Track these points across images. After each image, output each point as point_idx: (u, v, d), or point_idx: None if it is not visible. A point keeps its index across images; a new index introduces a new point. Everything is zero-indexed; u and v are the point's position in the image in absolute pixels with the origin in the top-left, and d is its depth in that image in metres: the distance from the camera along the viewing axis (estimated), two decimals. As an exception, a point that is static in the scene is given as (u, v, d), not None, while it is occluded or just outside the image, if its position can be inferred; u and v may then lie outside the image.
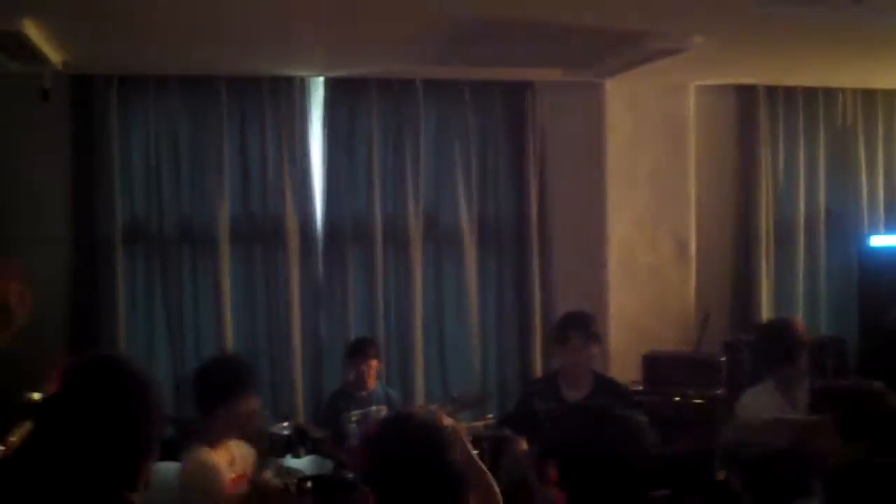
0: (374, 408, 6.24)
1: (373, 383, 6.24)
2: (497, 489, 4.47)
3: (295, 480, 5.41)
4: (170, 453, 5.03)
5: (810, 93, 7.50)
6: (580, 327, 5.23)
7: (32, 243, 6.49)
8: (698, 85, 7.28)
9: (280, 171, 6.76)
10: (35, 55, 5.47)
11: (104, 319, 6.54)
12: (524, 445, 4.96)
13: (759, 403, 4.96)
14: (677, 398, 6.42)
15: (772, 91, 7.42)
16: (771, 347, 5.10)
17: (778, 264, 7.52)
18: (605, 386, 5.28)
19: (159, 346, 6.71)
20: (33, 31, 5.13)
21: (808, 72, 7.05)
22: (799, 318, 6.66)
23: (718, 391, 6.47)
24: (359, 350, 6.25)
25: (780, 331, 5.17)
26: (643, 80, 6.90)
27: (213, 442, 4.04)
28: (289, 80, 6.74)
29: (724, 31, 5.52)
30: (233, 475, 3.99)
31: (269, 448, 5.40)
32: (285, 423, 5.67)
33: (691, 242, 7.30)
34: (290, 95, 6.76)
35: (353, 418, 6.14)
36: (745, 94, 7.43)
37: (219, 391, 4.04)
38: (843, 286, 7.64)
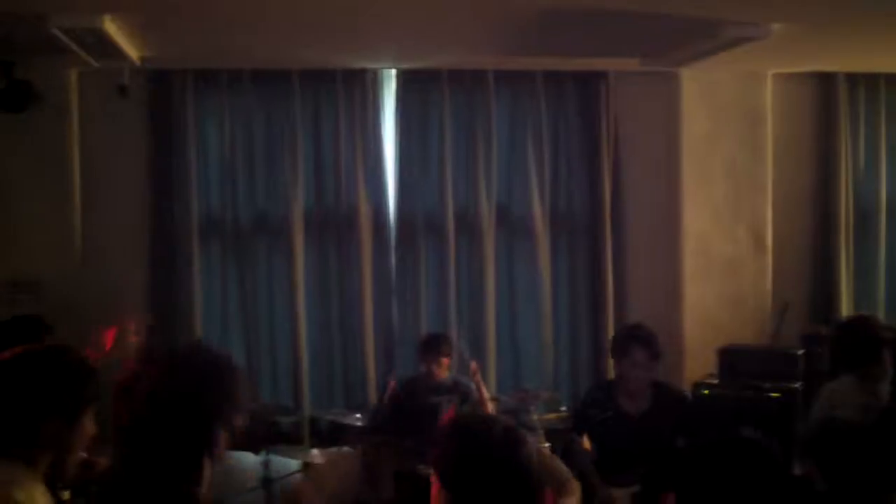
0: (443, 398, 6.26)
1: (444, 374, 6.24)
2: (574, 481, 4.47)
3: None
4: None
5: (892, 79, 7.31)
6: (645, 346, 5.06)
7: (111, 235, 6.64)
8: (776, 73, 7.14)
9: (353, 163, 6.80)
10: (114, 51, 5.59)
11: (181, 311, 6.67)
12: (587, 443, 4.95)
13: (840, 398, 4.87)
14: (753, 392, 6.32)
15: (852, 78, 7.25)
16: (852, 349, 4.98)
17: (857, 254, 7.36)
18: (665, 396, 5.15)
19: (233, 337, 6.82)
20: (113, 28, 5.23)
21: (890, 58, 6.86)
22: (878, 315, 6.48)
23: (796, 385, 6.36)
24: (432, 348, 6.24)
25: (859, 332, 5.04)
26: (719, 69, 6.79)
27: None
28: (361, 73, 6.77)
29: (804, 17, 5.39)
30: None
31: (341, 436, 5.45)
32: (358, 414, 5.73)
33: (768, 234, 7.17)
34: (363, 88, 6.78)
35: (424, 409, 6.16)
36: (825, 82, 7.27)
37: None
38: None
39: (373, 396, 6.78)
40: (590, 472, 4.82)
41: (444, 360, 6.22)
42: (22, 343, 4.75)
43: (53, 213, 6.55)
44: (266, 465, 5.81)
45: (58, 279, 6.49)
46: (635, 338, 5.08)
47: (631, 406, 5.06)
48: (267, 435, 5.99)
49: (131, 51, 5.80)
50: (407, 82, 6.86)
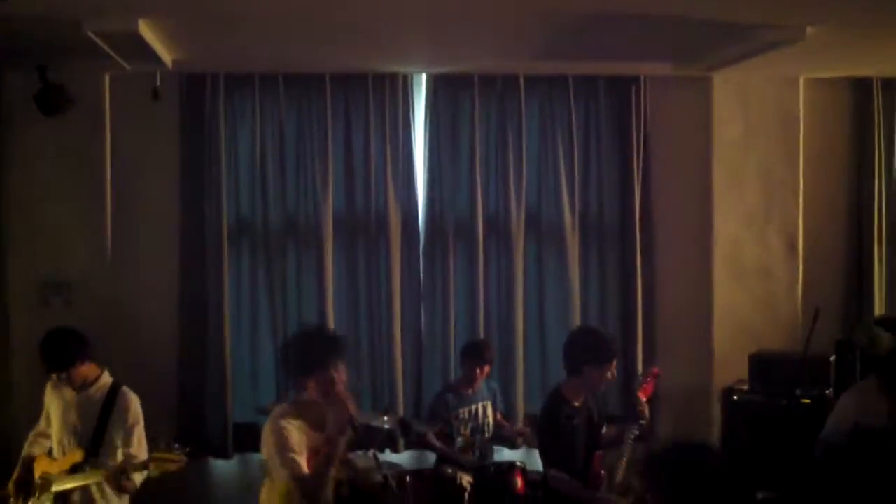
0: (480, 404, 6.27)
1: (479, 383, 6.27)
2: None
3: (394, 473, 5.47)
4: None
5: (928, 85, 7.25)
6: (617, 353, 5.09)
7: (142, 237, 6.68)
8: (808, 78, 7.09)
9: (383, 167, 6.81)
10: (147, 55, 5.64)
11: (211, 314, 6.71)
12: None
13: (856, 402, 4.86)
14: (784, 398, 6.27)
15: (887, 83, 7.18)
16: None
17: (891, 261, 7.28)
18: None
19: (263, 338, 6.84)
20: (147, 32, 5.27)
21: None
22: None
23: (827, 391, 6.31)
24: (479, 354, 6.28)
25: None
26: (752, 74, 6.76)
27: (302, 406, 4.17)
28: (393, 77, 6.77)
29: (838, 21, 5.36)
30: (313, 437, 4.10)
31: (367, 439, 5.46)
32: (385, 417, 5.74)
33: (800, 239, 7.12)
34: (394, 92, 6.79)
35: (462, 416, 6.18)
36: (859, 87, 7.21)
37: (308, 360, 4.17)
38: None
39: (400, 400, 6.79)
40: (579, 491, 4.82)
41: (486, 368, 6.27)
42: (62, 358, 4.83)
43: (85, 214, 6.61)
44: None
45: (88, 281, 6.55)
46: (614, 346, 5.06)
47: (577, 400, 4.99)
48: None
49: (164, 54, 5.84)
50: (438, 86, 6.87)
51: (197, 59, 6.27)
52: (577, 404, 4.94)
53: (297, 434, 4.07)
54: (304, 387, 4.19)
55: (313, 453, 4.05)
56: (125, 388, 4.97)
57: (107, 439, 4.86)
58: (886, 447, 4.59)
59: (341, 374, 4.17)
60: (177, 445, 4.69)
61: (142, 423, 4.97)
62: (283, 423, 4.07)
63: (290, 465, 3.99)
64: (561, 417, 4.87)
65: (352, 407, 4.10)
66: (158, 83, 6.31)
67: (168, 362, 6.70)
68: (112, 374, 5.04)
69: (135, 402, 4.97)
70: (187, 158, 6.71)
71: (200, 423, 6.70)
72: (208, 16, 5.14)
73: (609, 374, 4.89)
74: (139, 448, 4.88)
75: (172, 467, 4.63)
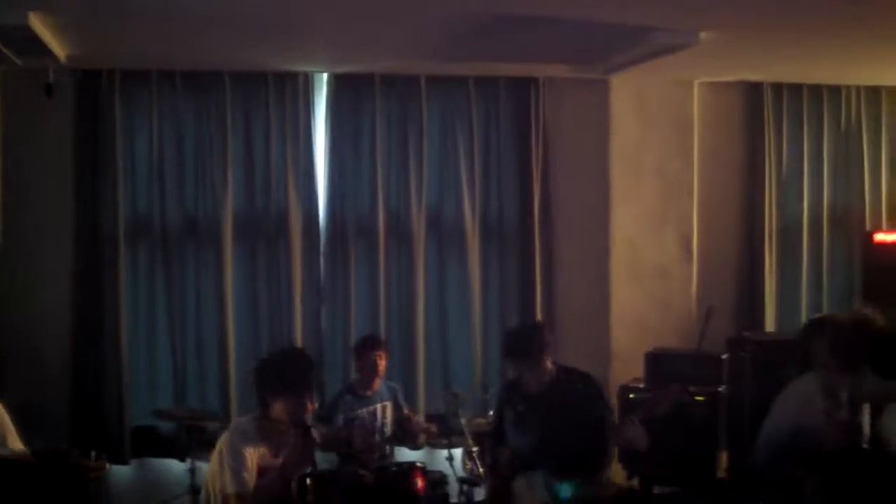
0: (379, 405, 6.25)
1: (379, 383, 6.25)
2: None
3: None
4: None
5: (815, 90, 7.48)
6: (547, 345, 5.12)
7: (35, 237, 6.51)
8: (703, 82, 7.27)
9: (284, 167, 6.76)
10: (40, 49, 5.48)
11: (107, 314, 6.56)
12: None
13: (794, 403, 4.91)
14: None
15: (777, 88, 7.41)
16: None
17: (781, 260, 7.51)
18: (569, 374, 5.16)
19: (161, 340, 6.72)
20: (39, 26, 5.13)
21: (814, 69, 7.03)
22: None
23: (720, 388, 6.47)
24: (371, 344, 6.24)
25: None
26: (648, 77, 6.90)
27: (266, 426, 4.17)
28: (293, 76, 6.73)
29: (731, 27, 5.51)
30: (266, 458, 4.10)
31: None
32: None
33: (695, 240, 7.29)
34: (295, 91, 6.75)
35: (361, 417, 6.16)
36: (751, 91, 7.42)
37: (284, 381, 4.16)
38: (846, 282, 7.65)
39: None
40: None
41: (383, 354, 6.23)
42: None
43: (-26, 213, 6.41)
44: (192, 472, 5.76)
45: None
46: (546, 331, 5.19)
47: (534, 387, 5.05)
48: (194, 441, 5.92)
49: (57, 49, 5.69)
50: (339, 86, 6.84)
51: (92, 55, 6.13)
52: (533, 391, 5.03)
53: (254, 456, 4.06)
54: (269, 405, 4.17)
55: (261, 472, 4.02)
56: None
57: None
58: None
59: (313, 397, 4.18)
60: (94, 453, 4.58)
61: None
62: (244, 444, 4.07)
63: (238, 481, 3.98)
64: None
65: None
66: (52, 78, 6.14)
67: (62, 365, 6.53)
68: (1, 378, 4.91)
69: None
70: (82, 156, 6.55)
71: (96, 427, 6.54)
72: (103, 10, 5.03)
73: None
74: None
75: (94, 476, 4.54)
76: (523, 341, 5.10)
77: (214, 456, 4.15)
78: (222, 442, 4.12)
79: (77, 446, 4.71)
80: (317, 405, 4.17)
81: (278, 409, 4.14)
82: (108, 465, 4.57)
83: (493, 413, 5.54)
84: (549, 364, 5.05)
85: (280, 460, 4.10)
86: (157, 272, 6.72)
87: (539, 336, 5.10)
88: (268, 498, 4.02)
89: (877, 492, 3.84)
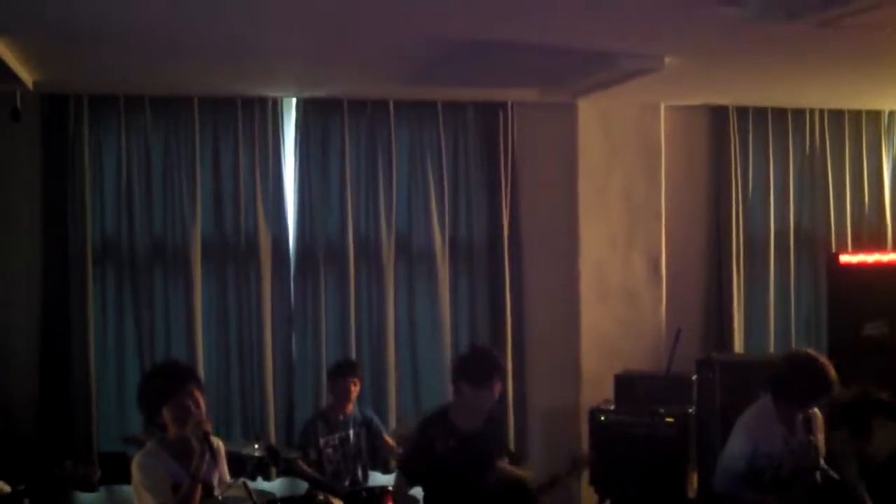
0: (351, 431, 6.24)
1: (351, 408, 6.24)
2: None
3: (265, 502, 5.40)
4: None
5: (780, 113, 7.57)
6: (500, 370, 5.01)
7: (4, 261, 6.47)
8: (670, 105, 7.34)
9: (253, 192, 6.76)
10: (7, 75, 5.46)
11: (75, 339, 6.51)
12: None
13: (754, 427, 4.95)
14: (649, 418, 6.44)
15: (742, 111, 7.49)
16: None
17: (749, 282, 7.58)
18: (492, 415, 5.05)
19: (130, 364, 6.66)
20: (5, 51, 5.12)
21: (778, 92, 7.12)
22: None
23: (690, 409, 6.51)
24: (346, 370, 6.25)
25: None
26: (615, 101, 6.96)
27: (168, 442, 4.14)
28: (262, 101, 6.74)
29: (694, 52, 5.57)
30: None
31: (240, 467, 5.40)
32: (256, 445, 5.66)
33: (663, 261, 7.34)
34: (264, 116, 6.76)
35: (332, 443, 6.14)
36: (716, 115, 7.50)
37: (154, 393, 4.16)
38: (812, 303, 7.72)
39: (272, 427, 6.71)
40: None
41: (357, 382, 6.23)
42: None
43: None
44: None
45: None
46: (494, 364, 4.94)
47: (468, 425, 4.84)
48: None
49: (24, 74, 5.67)
50: (308, 111, 6.86)
51: (59, 81, 6.12)
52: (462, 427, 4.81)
53: (161, 469, 4.05)
54: (157, 420, 4.16)
55: (175, 489, 4.02)
56: None
57: None
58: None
59: (199, 401, 4.14)
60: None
61: None
62: (153, 462, 4.08)
63: (158, 493, 3.97)
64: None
65: (207, 425, 4.07)
66: (19, 104, 6.13)
67: (29, 389, 6.47)
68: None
69: None
70: (50, 180, 6.52)
71: (64, 453, 6.47)
72: (70, 37, 5.02)
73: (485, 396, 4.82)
74: None
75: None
76: (477, 364, 4.90)
77: (132, 489, 4.14)
78: (133, 469, 4.12)
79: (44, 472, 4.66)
80: (203, 411, 4.14)
81: (166, 419, 4.13)
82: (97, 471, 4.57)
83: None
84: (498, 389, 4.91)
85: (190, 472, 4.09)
86: (126, 296, 6.68)
87: (493, 360, 4.96)
88: None
89: None
